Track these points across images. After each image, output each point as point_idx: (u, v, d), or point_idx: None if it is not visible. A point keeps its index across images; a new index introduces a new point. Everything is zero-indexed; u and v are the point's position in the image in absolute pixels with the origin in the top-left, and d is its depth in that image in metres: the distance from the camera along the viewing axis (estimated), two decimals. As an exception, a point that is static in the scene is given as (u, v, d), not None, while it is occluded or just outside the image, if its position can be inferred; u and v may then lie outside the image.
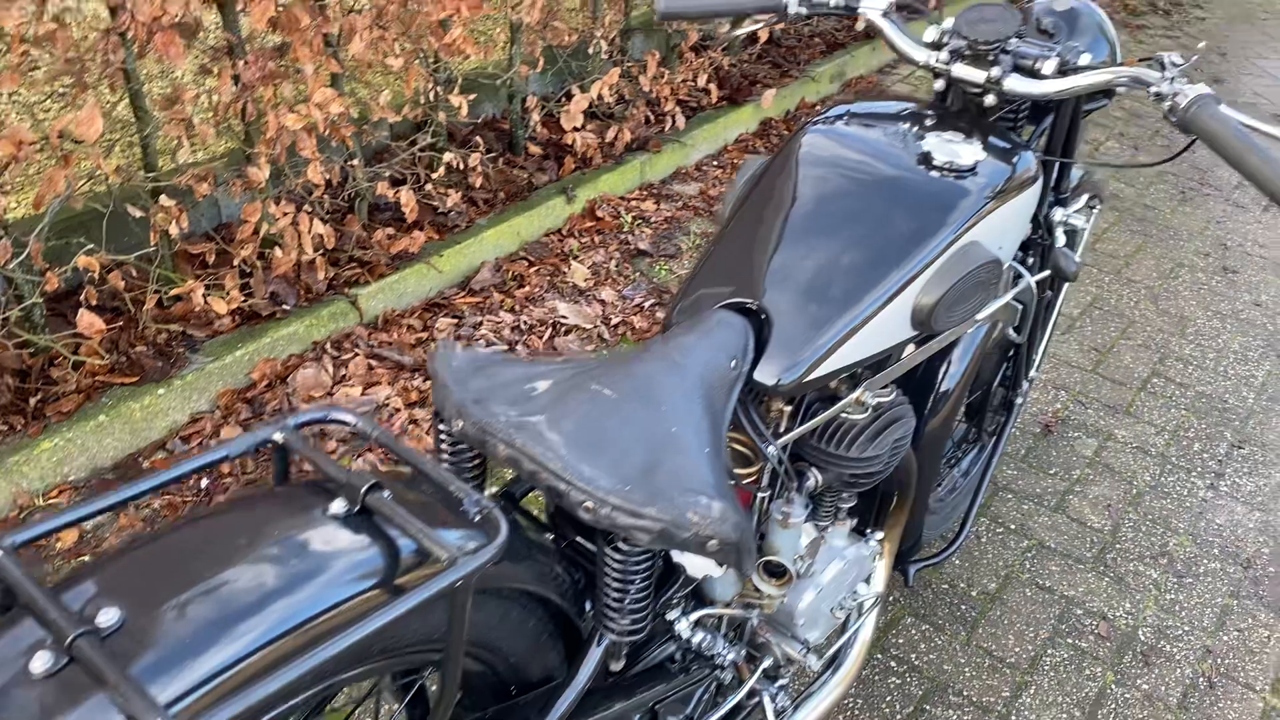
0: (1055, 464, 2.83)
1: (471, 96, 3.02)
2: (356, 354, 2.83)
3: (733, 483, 1.53)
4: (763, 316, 1.41)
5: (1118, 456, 2.87)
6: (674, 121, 3.92)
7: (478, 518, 1.00)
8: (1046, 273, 1.95)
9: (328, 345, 2.83)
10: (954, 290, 1.46)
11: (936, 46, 1.71)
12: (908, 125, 1.64)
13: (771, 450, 1.41)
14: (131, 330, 2.58)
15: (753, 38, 4.48)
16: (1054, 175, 1.96)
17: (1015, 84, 1.62)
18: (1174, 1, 6.67)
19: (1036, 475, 2.78)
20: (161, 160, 2.61)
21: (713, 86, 3.99)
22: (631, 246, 3.50)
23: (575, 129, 3.43)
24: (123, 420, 2.43)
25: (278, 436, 1.02)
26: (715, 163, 4.13)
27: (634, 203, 3.73)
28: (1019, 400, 2.36)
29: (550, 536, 1.35)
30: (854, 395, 1.51)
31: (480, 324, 3.03)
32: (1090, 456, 2.86)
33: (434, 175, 3.04)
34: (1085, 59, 1.68)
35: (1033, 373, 2.42)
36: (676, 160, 4.00)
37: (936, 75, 1.71)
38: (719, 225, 1.62)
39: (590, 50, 3.37)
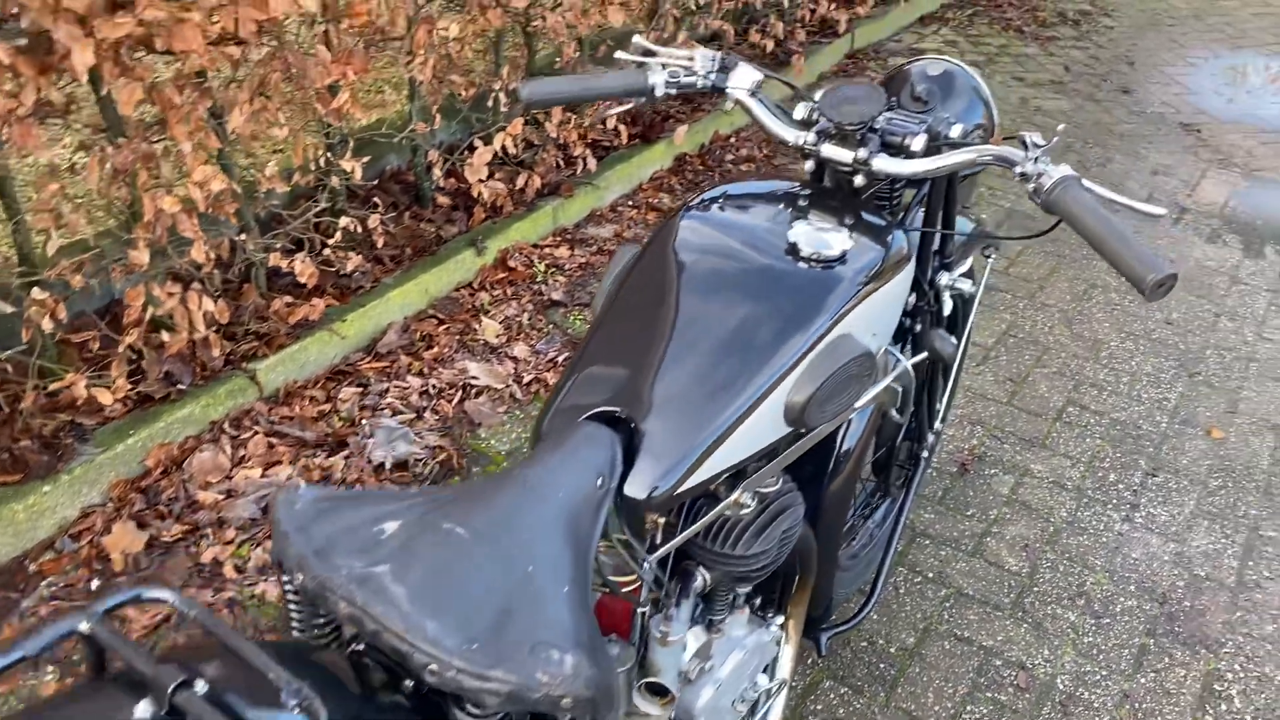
0: (973, 504, 2.82)
1: (365, 159, 2.95)
2: (256, 432, 2.74)
3: (609, 591, 1.47)
4: (631, 426, 1.36)
5: (1034, 493, 2.87)
6: (585, 164, 3.88)
7: (297, 710, 0.94)
8: (924, 355, 1.91)
9: (226, 425, 2.74)
10: (825, 387, 1.43)
11: (806, 124, 1.68)
12: (780, 209, 1.61)
13: (646, 566, 1.37)
14: (12, 425, 2.48)
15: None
16: (935, 240, 1.94)
17: (883, 164, 1.60)
18: (1083, 11, 6.77)
19: (954, 518, 2.77)
20: (38, 250, 2.51)
21: (623, 127, 3.95)
22: (545, 297, 3.44)
23: (481, 180, 3.37)
24: (4, 523, 2.33)
25: (84, 627, 0.95)
26: (630, 203, 4.09)
27: (547, 250, 3.68)
28: (925, 454, 2.34)
29: (403, 698, 1.29)
30: (733, 496, 1.47)
31: (386, 391, 2.96)
32: (1007, 495, 2.86)
33: (330, 240, 2.97)
34: (956, 130, 1.67)
35: (938, 424, 2.41)
36: (590, 203, 3.96)
37: (805, 156, 1.68)
38: (590, 325, 1.57)
39: (490, 103, 3.32)
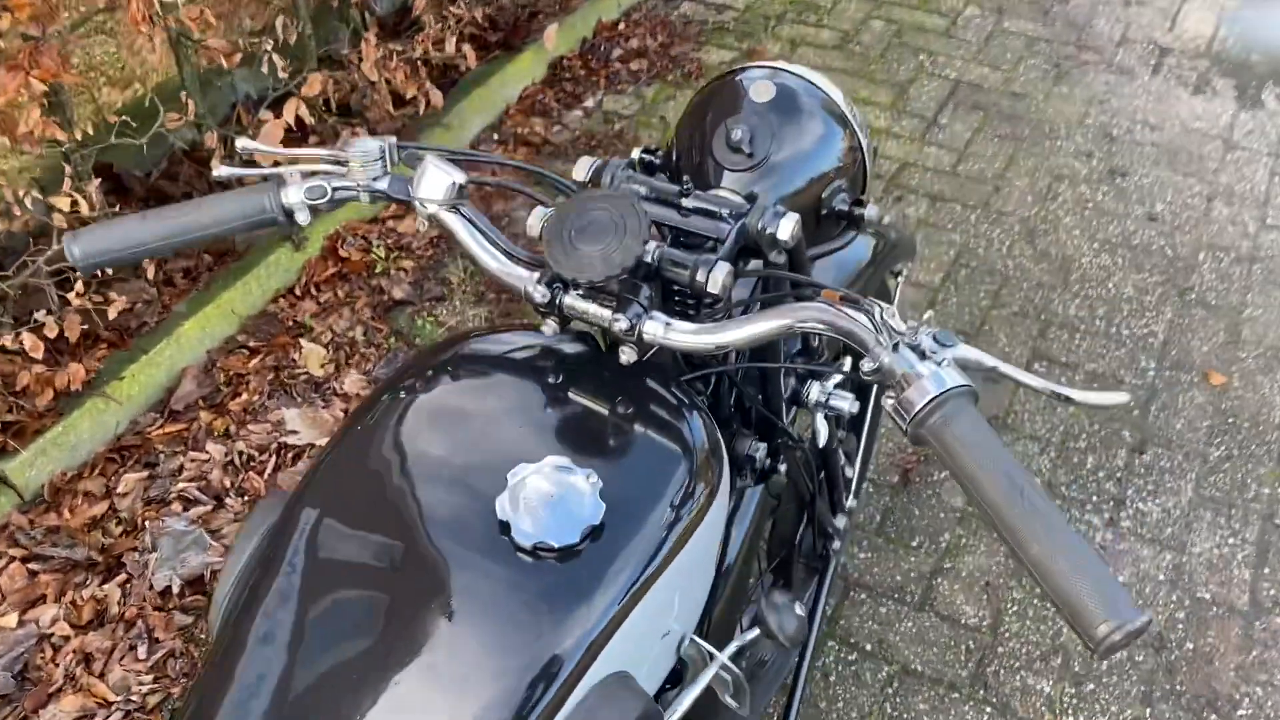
0: (919, 529, 2.26)
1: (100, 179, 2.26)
2: (11, 559, 2.17)
3: None
4: None
5: (995, 501, 2.31)
6: (428, 100, 3.14)
7: None
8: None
9: (-32, 558, 2.16)
10: None
11: (539, 261, 1.05)
12: (500, 418, 0.99)
13: None
14: None
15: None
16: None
17: (656, 333, 0.97)
18: None
19: (895, 554, 2.22)
20: None
21: (468, 48, 3.19)
22: (386, 295, 2.79)
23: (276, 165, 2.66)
24: None
25: None
26: (495, 136, 3.37)
27: (389, 225, 3.00)
28: (835, 545, 1.77)
29: None
30: None
31: (180, 469, 2.36)
32: (960, 509, 2.30)
33: (72, 293, 2.30)
34: (784, 226, 1.02)
35: (851, 501, 1.84)
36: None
37: (541, 310, 1.04)
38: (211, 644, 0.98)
39: (264, 69, 2.57)
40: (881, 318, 0.89)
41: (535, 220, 1.07)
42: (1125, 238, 2.98)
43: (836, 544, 1.77)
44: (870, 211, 1.24)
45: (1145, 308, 2.76)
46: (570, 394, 1.00)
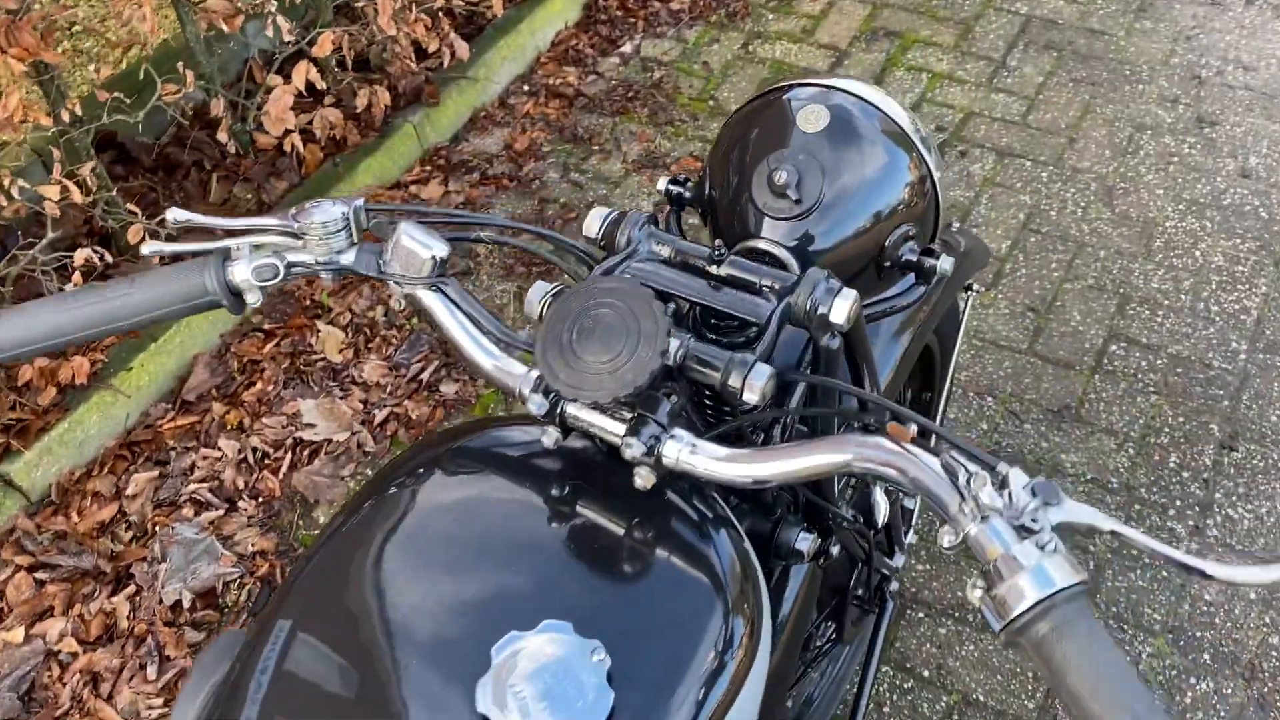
0: (982, 537, 2.07)
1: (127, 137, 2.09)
2: (17, 568, 2.06)
3: None
4: None
5: (1067, 505, 2.11)
6: (453, 53, 2.92)
7: None
8: None
9: (-28, 567, 2.06)
10: None
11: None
12: (500, 550, 0.82)
13: None
14: None
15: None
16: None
17: (678, 457, 0.79)
18: None
19: (957, 564, 2.04)
20: None
21: (491, -12, 2.95)
22: (407, 269, 2.61)
23: (290, 131, 2.48)
24: None
25: None
26: (525, 88, 3.14)
27: (412, 189, 2.81)
28: (891, 588, 1.59)
29: None
30: None
31: (192, 468, 2.23)
32: (1029, 513, 2.10)
33: (70, 284, 2.15)
34: (843, 308, 0.83)
35: (909, 537, 1.66)
36: (469, 102, 3.03)
37: (541, 418, 0.85)
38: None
39: (268, 30, 2.36)
40: (967, 482, 0.70)
41: (535, 298, 0.88)
42: (1215, 197, 2.70)
43: (894, 584, 1.59)
44: (944, 265, 1.03)
45: (1237, 280, 2.50)
46: (575, 523, 0.82)
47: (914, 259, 1.04)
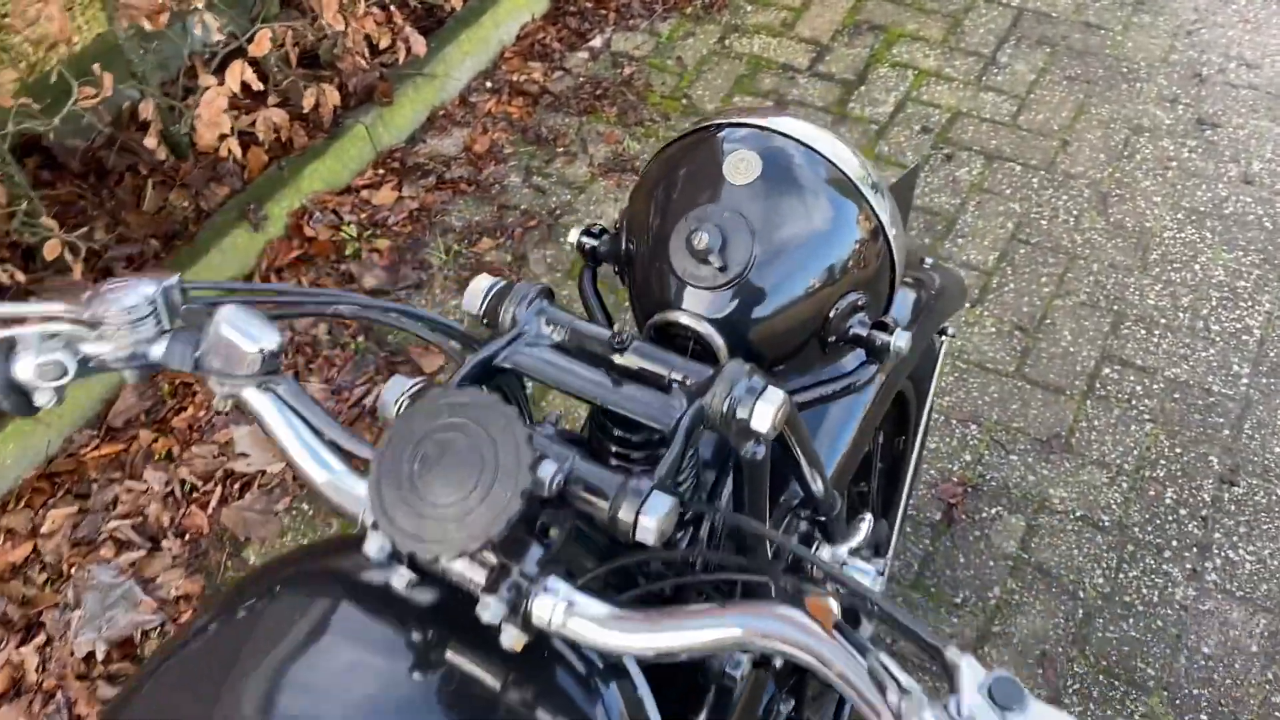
0: (963, 581, 1.93)
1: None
2: (-79, 615, 1.91)
3: None
4: None
5: (1054, 546, 1.96)
6: (408, 48, 2.74)
7: None
8: None
9: None
10: None
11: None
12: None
13: None
14: None
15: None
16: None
17: (550, 618, 0.63)
18: None
19: (937, 612, 1.89)
20: None
21: (452, -19, 2.77)
22: (356, 283, 2.45)
23: (225, 135, 2.31)
24: None
25: None
26: (488, 85, 2.97)
27: (363, 194, 2.64)
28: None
29: None
30: None
31: (115, 501, 2.07)
32: (1014, 554, 1.96)
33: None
34: (766, 414, 0.67)
35: (885, 563, 1.50)
36: (426, 101, 2.85)
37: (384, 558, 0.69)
38: None
39: (197, 29, 2.18)
40: (899, 703, 0.54)
41: (391, 398, 0.72)
42: (1215, 205, 2.54)
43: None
44: (899, 341, 0.87)
45: (1239, 296, 2.35)
46: (432, 681, 0.66)
47: (864, 333, 0.88)
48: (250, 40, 2.34)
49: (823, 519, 0.95)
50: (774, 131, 0.87)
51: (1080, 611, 1.88)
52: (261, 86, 2.35)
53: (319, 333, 2.34)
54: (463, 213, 2.61)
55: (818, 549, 0.95)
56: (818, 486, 0.90)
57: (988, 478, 2.06)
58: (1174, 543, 1.96)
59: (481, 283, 0.80)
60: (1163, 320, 2.31)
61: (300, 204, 2.55)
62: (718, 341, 0.81)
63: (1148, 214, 2.53)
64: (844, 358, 0.94)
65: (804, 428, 0.79)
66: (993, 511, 2.02)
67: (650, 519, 0.63)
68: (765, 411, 0.68)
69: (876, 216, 0.88)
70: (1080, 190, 2.60)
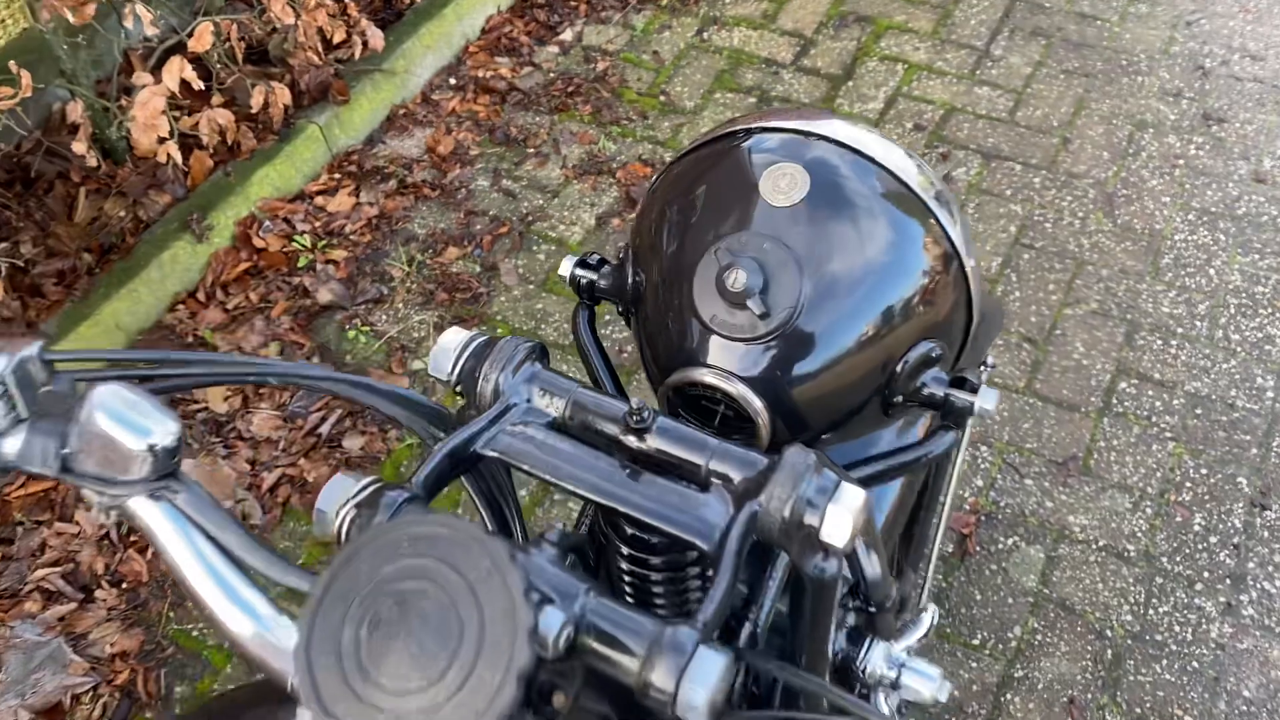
0: (981, 620, 1.76)
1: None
2: None
3: None
4: None
5: (1077, 580, 1.81)
6: (365, 43, 2.54)
7: None
8: None
9: None
10: None
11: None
12: None
13: None
14: None
15: None
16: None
17: None
18: None
19: (954, 655, 1.72)
20: None
21: (412, -27, 2.58)
22: (310, 298, 2.25)
23: (164, 139, 2.10)
24: None
25: None
26: (451, 81, 2.77)
27: (317, 201, 2.44)
28: None
29: None
30: None
31: (43, 547, 1.86)
32: (1034, 590, 1.80)
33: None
34: (844, 523, 0.49)
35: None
36: (385, 99, 2.65)
37: None
38: None
39: (127, 21, 1.98)
40: None
41: (330, 506, 0.53)
42: (1227, 205, 2.40)
43: None
44: (986, 402, 0.70)
45: (1258, 303, 2.21)
46: None
47: (940, 393, 0.70)
48: (190, 34, 2.13)
49: (875, 609, 0.78)
50: (818, 137, 0.69)
51: (1109, 652, 1.72)
52: (204, 85, 2.15)
53: (268, 353, 2.14)
54: (426, 220, 2.42)
55: (871, 648, 0.77)
56: (875, 573, 0.73)
57: (1002, 504, 1.91)
58: (1205, 574, 1.81)
59: (453, 338, 0.62)
60: (1179, 330, 2.16)
61: (248, 212, 2.35)
62: (757, 407, 0.64)
63: (1157, 215, 2.38)
64: (910, 420, 0.77)
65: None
66: (1009, 542, 1.86)
67: (698, 690, 0.45)
68: (841, 520, 0.50)
69: (948, 239, 0.71)
70: (1085, 190, 2.45)
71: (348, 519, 0.53)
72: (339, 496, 0.53)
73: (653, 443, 0.56)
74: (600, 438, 0.58)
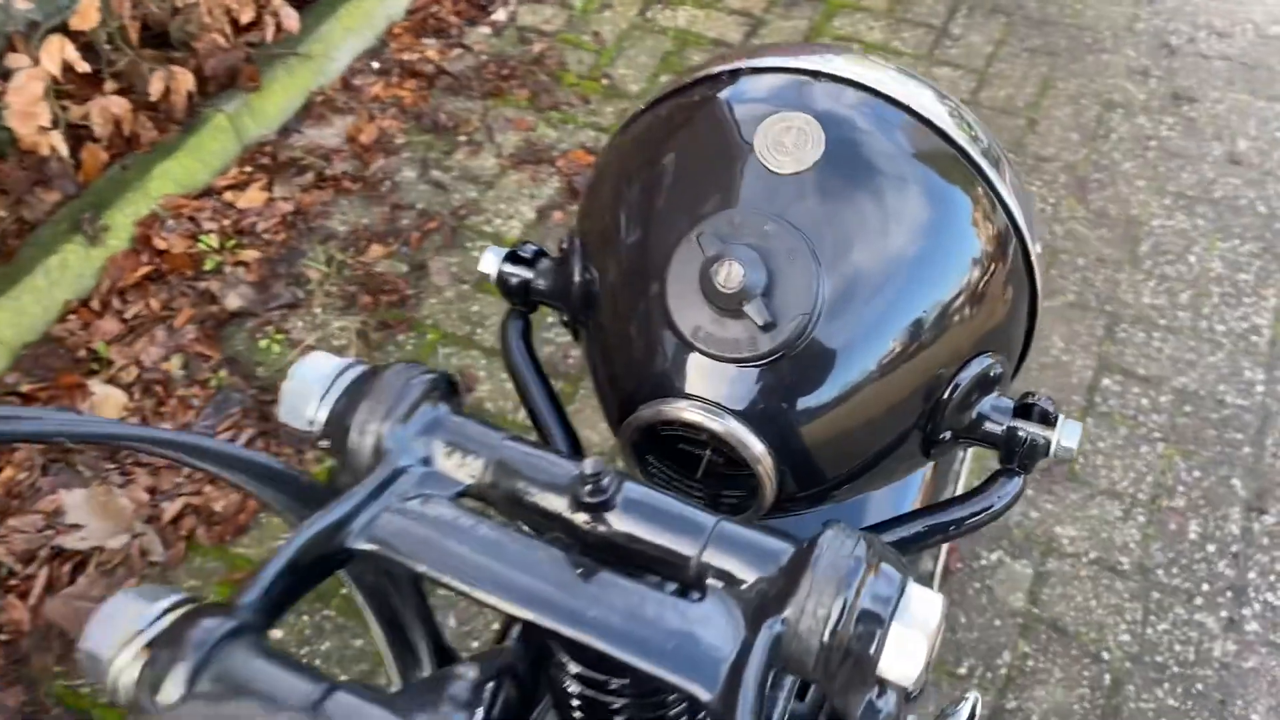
0: (967, 646, 1.61)
1: None
2: None
3: None
4: None
5: (1068, 597, 1.66)
6: (278, 24, 2.32)
7: None
8: None
9: None
10: None
11: None
12: None
13: None
14: None
15: None
16: None
17: None
18: None
19: (939, 686, 1.56)
20: None
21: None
22: (218, 304, 2.03)
23: (44, 128, 1.87)
24: None
25: None
26: (374, 65, 2.55)
27: (226, 197, 2.21)
28: None
29: None
30: None
31: (-94, 597, 1.63)
32: (1023, 610, 1.64)
33: None
34: (918, 653, 0.30)
35: None
36: (301, 85, 2.43)
37: None
38: None
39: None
40: None
41: (110, 640, 0.34)
42: (1204, 189, 2.27)
43: None
44: (1069, 440, 0.53)
45: (1241, 291, 2.08)
46: None
47: (1003, 426, 0.53)
48: (65, 21, 1.90)
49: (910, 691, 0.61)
50: (830, 78, 0.50)
51: (1107, 677, 1.57)
52: (90, 69, 1.91)
53: (171, 367, 1.92)
54: (347, 215, 2.20)
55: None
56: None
57: (985, 529, 1.74)
58: (1204, 586, 1.67)
59: (315, 367, 0.43)
60: (1162, 321, 2.03)
61: (149, 210, 2.12)
62: (757, 452, 0.46)
63: (1131, 200, 2.25)
64: (939, 451, 0.59)
65: None
66: (993, 558, 1.70)
67: None
68: (913, 646, 0.33)
69: (1006, 212, 0.53)
70: (1055, 175, 2.31)
71: (135, 667, 0.34)
72: (121, 629, 0.34)
73: (618, 524, 0.38)
74: (538, 516, 0.40)
